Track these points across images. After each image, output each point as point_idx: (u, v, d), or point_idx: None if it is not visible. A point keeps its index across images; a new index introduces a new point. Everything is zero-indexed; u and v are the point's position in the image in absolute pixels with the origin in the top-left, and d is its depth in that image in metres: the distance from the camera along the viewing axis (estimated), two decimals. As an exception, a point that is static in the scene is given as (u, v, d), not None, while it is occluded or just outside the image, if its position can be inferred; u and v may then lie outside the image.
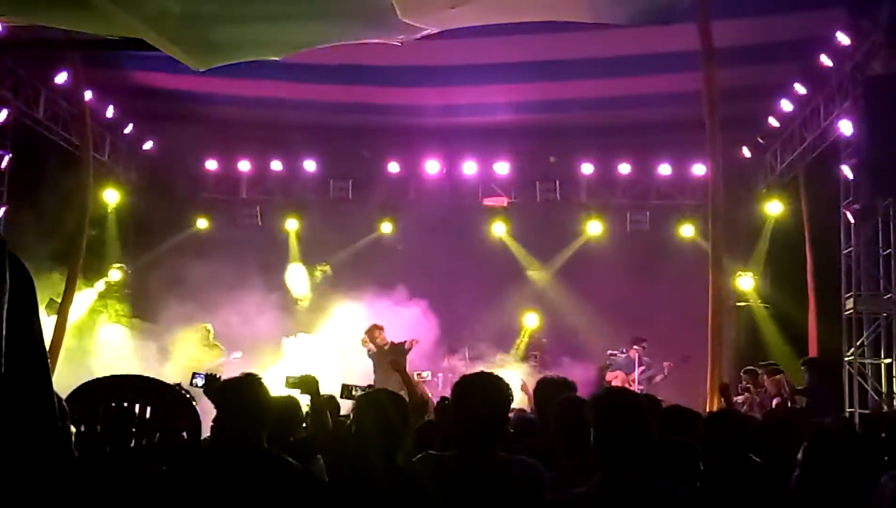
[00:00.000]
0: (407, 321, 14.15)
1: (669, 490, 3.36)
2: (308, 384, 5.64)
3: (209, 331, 14.41)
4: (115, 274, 15.93)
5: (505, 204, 17.16)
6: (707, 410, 8.44)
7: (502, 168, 16.87)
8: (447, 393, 4.60)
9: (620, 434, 3.38)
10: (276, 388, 4.91)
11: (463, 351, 14.85)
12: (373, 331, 13.31)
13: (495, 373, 3.90)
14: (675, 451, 4.32)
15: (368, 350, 13.27)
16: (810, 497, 3.97)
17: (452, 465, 3.67)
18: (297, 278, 16.81)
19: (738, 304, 15.35)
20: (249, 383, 4.18)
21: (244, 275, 15.10)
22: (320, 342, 14.85)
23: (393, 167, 16.96)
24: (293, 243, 17.35)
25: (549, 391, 5.00)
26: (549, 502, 3.55)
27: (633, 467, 3.34)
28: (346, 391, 7.25)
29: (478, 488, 3.57)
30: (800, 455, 4.08)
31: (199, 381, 7.01)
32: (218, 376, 6.92)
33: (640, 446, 3.38)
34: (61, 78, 13.22)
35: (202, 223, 17.42)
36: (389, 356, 12.76)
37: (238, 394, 4.13)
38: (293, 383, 6.34)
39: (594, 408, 3.53)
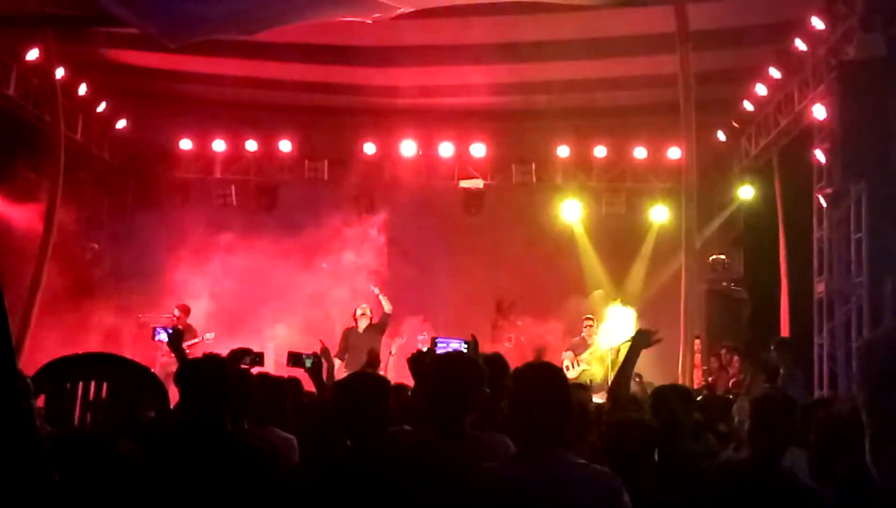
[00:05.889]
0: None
1: (582, 466, 3.35)
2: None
3: (189, 310, 14.40)
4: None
5: (481, 186, 17.11)
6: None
7: (478, 150, 16.82)
8: None
9: (534, 408, 3.36)
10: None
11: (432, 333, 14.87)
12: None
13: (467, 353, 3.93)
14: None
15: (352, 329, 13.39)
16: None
17: (426, 442, 3.73)
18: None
19: (712, 286, 15.40)
20: (211, 364, 4.13)
21: (217, 255, 15.07)
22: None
23: (369, 148, 16.87)
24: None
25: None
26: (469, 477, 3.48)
27: (548, 442, 3.33)
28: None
29: (452, 464, 3.58)
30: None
31: (163, 336, 6.65)
32: (181, 329, 6.72)
33: (554, 421, 3.36)
34: (33, 55, 13.03)
35: (176, 203, 17.21)
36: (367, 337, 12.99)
37: (198, 375, 4.06)
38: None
39: (514, 382, 3.53)
